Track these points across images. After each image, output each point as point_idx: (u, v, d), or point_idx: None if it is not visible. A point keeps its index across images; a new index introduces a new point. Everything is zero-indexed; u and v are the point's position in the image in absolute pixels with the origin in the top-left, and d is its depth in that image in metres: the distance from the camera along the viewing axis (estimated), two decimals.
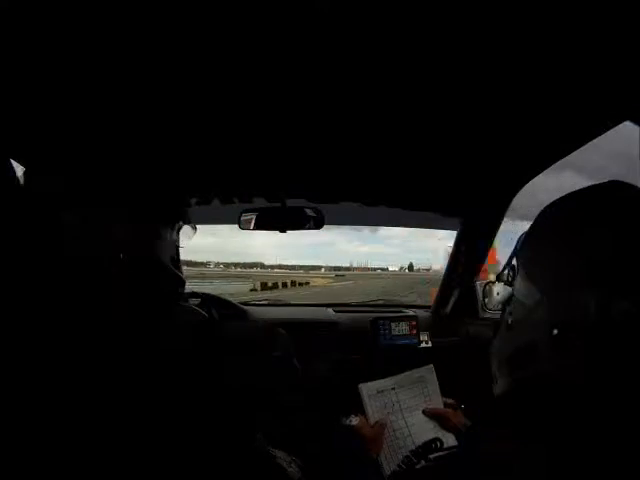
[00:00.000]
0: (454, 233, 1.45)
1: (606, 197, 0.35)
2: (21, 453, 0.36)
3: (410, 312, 1.59)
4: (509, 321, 0.40)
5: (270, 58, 0.60)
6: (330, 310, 1.63)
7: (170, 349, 0.48)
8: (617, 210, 0.33)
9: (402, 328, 1.48)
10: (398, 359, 1.43)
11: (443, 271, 1.57)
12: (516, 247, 0.43)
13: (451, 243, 1.48)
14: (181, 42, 0.56)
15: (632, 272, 0.30)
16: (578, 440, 0.32)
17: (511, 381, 0.40)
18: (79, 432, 0.38)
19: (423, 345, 1.47)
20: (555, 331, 0.32)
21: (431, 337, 1.48)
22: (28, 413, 0.38)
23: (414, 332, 1.48)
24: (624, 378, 0.30)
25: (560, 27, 0.52)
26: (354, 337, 1.47)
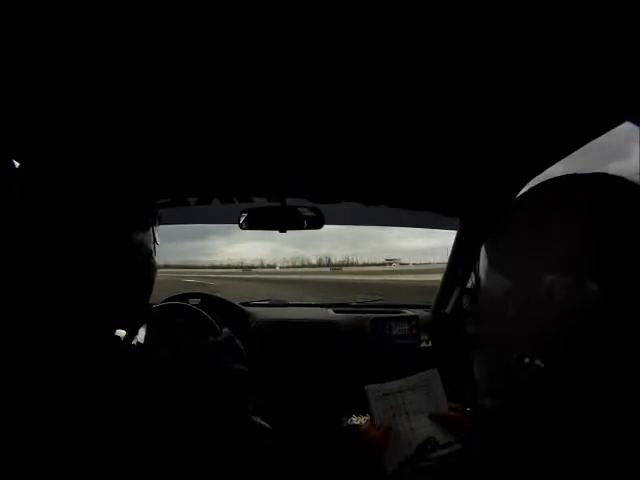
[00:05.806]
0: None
1: (585, 186, 0.34)
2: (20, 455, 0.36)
3: (410, 312, 1.59)
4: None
5: (271, 59, 0.60)
6: (330, 310, 1.63)
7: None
8: (591, 199, 0.33)
9: (402, 328, 1.48)
10: (398, 359, 1.43)
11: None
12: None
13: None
14: (183, 43, 0.56)
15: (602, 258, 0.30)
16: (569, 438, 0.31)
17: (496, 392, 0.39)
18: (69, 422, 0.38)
19: (423, 345, 1.47)
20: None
21: (431, 337, 1.48)
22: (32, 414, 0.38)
23: (414, 332, 1.48)
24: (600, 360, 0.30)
25: (559, 27, 0.52)
26: (354, 337, 1.47)
